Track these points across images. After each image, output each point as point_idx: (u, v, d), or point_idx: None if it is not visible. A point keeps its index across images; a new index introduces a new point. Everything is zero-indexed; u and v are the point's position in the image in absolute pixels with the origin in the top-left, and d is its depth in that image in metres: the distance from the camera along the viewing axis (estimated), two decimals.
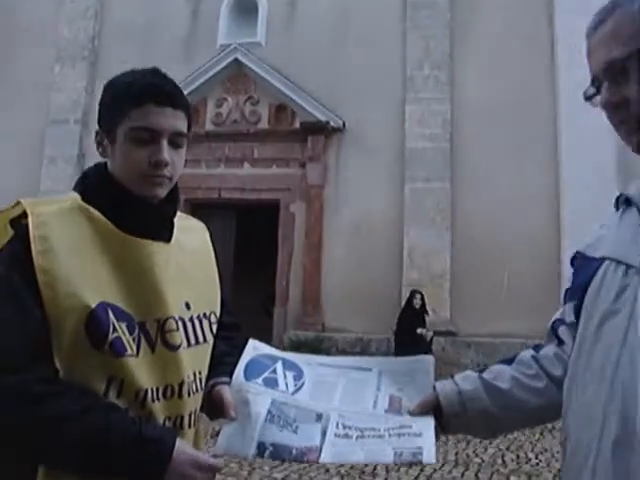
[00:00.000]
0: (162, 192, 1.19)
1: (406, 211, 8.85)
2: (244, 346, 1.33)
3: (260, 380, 1.25)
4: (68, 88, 10.74)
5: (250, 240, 9.94)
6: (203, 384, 1.24)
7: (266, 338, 9.03)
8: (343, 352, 8.24)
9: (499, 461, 5.00)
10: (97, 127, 1.23)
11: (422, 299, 7.62)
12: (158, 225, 1.21)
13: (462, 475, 4.65)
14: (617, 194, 1.13)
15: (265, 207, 9.71)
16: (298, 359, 1.34)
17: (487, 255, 8.43)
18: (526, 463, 5.02)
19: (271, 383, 1.25)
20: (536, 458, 5.26)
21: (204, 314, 1.28)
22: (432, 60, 9.34)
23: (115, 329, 1.09)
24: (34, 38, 10.97)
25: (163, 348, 1.15)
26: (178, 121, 1.19)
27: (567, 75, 8.73)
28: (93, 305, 1.07)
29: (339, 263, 8.93)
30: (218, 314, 1.33)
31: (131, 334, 1.11)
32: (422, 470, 4.69)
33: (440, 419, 1.20)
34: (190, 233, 1.34)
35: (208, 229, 1.46)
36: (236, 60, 10.09)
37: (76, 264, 1.08)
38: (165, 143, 1.16)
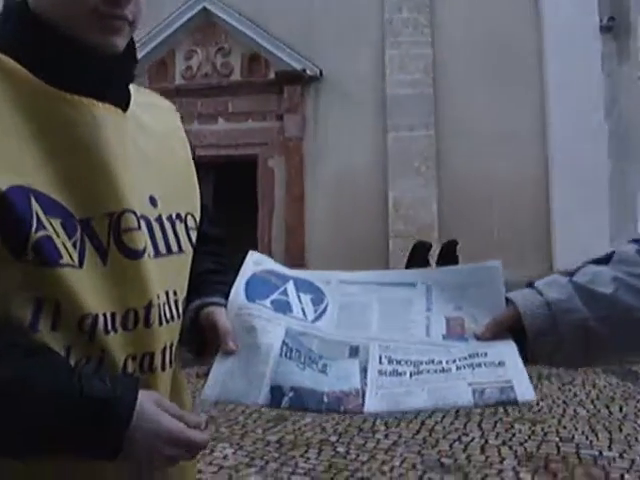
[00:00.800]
0: (121, 42, 0.81)
1: (390, 161, 8.50)
2: (240, 264, 0.96)
3: (268, 302, 0.89)
4: None
5: (229, 198, 9.55)
6: (181, 309, 0.87)
7: None
8: None
9: (501, 410, 4.81)
10: None
11: (449, 248, 7.18)
12: (109, 81, 0.82)
13: (464, 426, 4.46)
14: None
15: (243, 163, 9.30)
16: (314, 277, 0.99)
17: (475, 202, 8.17)
18: (528, 410, 4.84)
19: (282, 307, 0.90)
20: (537, 405, 5.09)
21: (177, 215, 0.90)
22: (410, 2, 8.88)
23: (42, 225, 0.71)
24: None
25: (119, 255, 0.78)
26: None
27: (552, 10, 8.39)
28: (3, 187, 0.69)
29: (323, 217, 8.60)
30: (198, 218, 0.96)
31: (70, 237, 0.74)
32: (423, 423, 4.49)
33: (522, 342, 0.88)
34: (154, 111, 0.97)
35: None
36: (204, 9, 9.51)
37: None
38: None
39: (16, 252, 0.69)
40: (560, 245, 7.94)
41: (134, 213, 0.80)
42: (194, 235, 0.94)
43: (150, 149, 0.89)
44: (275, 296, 0.92)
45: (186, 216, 0.93)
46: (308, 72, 8.98)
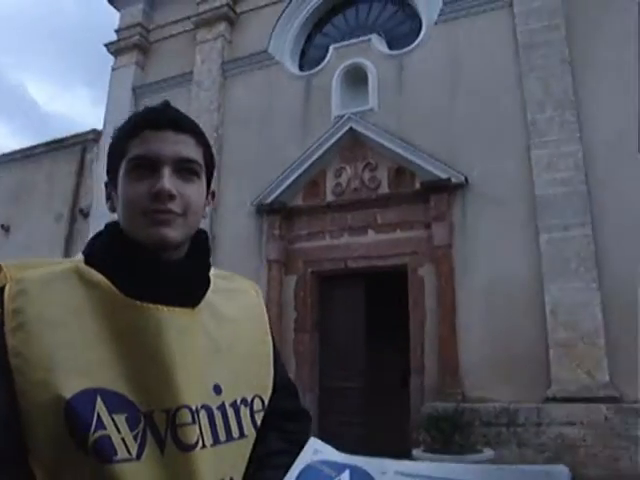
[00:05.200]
0: (172, 233, 0.95)
1: (544, 264, 8.05)
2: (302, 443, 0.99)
3: None
4: None
5: (380, 308, 9.64)
6: None
7: (404, 411, 8.53)
8: (487, 424, 7.49)
9: None
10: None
11: None
12: (172, 285, 0.96)
13: None
14: None
15: (393, 273, 9.40)
16: (372, 467, 0.95)
17: None
18: None
19: None
20: None
21: (243, 400, 1.00)
22: (554, 100, 8.69)
23: (102, 425, 0.83)
24: None
25: (174, 447, 0.88)
26: (183, 146, 0.99)
27: None
28: (69, 395, 0.82)
29: (475, 326, 8.27)
30: (267, 399, 1.04)
31: (132, 429, 0.85)
32: None
33: None
34: (232, 296, 1.10)
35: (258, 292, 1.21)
36: (351, 129, 10.11)
37: (56, 342, 0.85)
38: (167, 171, 0.96)
39: (82, 450, 0.82)
40: None
41: (189, 408, 0.90)
42: (260, 417, 1.02)
43: (224, 336, 1.01)
44: None
45: (253, 399, 1.01)
46: (453, 180, 9.02)
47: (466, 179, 9.03)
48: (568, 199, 8.20)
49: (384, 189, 9.78)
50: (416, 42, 10.31)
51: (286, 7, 11.83)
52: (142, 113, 1.02)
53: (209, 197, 1.09)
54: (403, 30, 11.13)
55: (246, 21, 12.37)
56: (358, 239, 9.70)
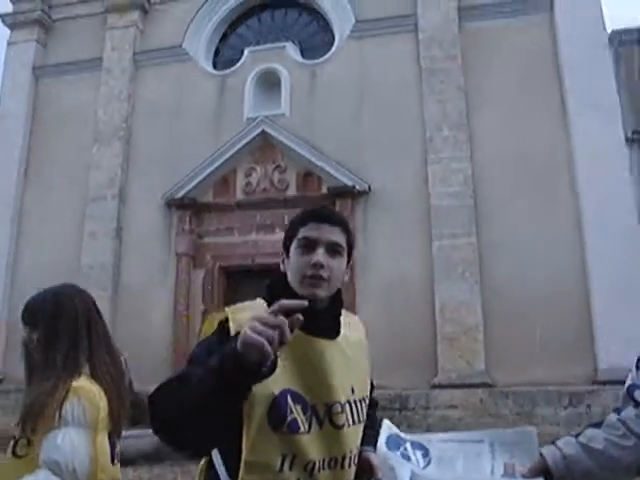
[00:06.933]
0: (320, 292, 1.44)
1: (435, 267, 9.13)
2: (377, 421, 1.63)
3: (399, 453, 1.54)
4: (105, 166, 11.33)
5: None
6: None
7: None
8: (383, 408, 8.38)
9: None
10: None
11: None
12: (325, 325, 1.48)
13: None
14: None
15: None
16: (421, 439, 1.61)
17: (518, 305, 8.64)
18: None
19: (406, 457, 1.53)
20: None
21: (363, 397, 1.53)
22: (449, 121, 9.78)
23: (292, 411, 1.36)
24: (74, 122, 11.71)
25: (330, 427, 1.41)
26: (334, 234, 1.50)
27: (579, 125, 9.12)
28: (277, 392, 1.34)
29: (373, 322, 9.10)
30: (369, 397, 1.59)
31: (304, 414, 1.38)
32: None
33: None
34: (352, 328, 1.62)
35: (364, 324, 1.75)
36: (263, 132, 10.62)
37: None
38: (322, 250, 1.46)
39: (275, 429, 1.35)
40: (603, 346, 8.26)
41: (340, 403, 1.45)
42: (366, 409, 1.58)
43: (351, 354, 1.55)
44: (401, 450, 1.56)
45: (366, 397, 1.57)
46: (357, 187, 9.85)
47: (369, 187, 9.88)
48: (457, 211, 9.31)
49: (292, 191, 10.42)
50: (329, 54, 11.03)
51: (203, 4, 12.02)
52: (310, 211, 1.55)
53: (347, 268, 1.58)
54: (316, 41, 11.79)
55: (160, 13, 12.37)
56: (266, 237, 10.25)
